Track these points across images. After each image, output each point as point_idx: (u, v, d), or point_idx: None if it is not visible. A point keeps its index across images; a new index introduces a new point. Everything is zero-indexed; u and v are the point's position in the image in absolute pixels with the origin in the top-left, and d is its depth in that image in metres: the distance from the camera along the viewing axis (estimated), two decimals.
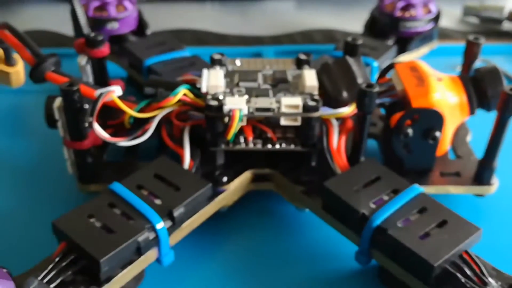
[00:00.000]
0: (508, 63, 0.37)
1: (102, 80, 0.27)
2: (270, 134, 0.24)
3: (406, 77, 0.25)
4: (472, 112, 0.25)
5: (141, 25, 0.34)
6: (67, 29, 0.38)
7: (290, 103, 0.23)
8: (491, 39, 0.40)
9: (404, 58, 0.34)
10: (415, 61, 0.26)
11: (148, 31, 0.34)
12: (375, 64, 0.31)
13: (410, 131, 0.24)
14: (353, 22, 0.41)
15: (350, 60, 0.25)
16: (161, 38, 0.33)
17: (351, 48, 0.26)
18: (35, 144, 0.30)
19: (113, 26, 0.32)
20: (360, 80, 0.24)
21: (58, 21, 0.40)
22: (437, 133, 0.24)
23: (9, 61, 0.30)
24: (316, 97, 0.24)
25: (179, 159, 0.24)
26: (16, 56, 0.30)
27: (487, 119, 0.25)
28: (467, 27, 0.42)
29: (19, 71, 0.31)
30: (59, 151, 0.25)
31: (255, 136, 0.24)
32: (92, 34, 0.26)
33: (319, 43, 0.39)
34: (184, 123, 0.25)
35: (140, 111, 0.24)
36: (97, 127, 0.22)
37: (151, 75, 0.29)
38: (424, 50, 0.35)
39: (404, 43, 0.34)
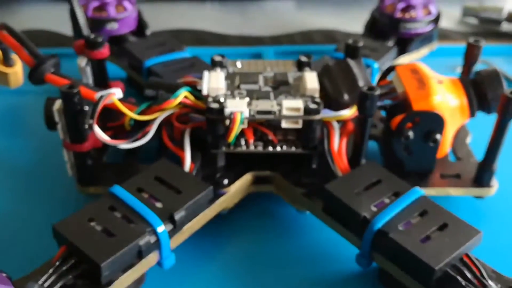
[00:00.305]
0: (507, 64, 0.37)
1: (102, 81, 0.27)
2: (271, 136, 0.24)
3: (407, 80, 0.25)
4: (472, 114, 0.26)
5: (141, 25, 0.34)
6: (66, 29, 0.38)
7: (291, 105, 0.23)
8: (490, 40, 0.40)
9: (404, 59, 0.34)
10: (416, 64, 0.26)
11: (148, 32, 0.34)
12: (376, 65, 0.31)
13: (410, 133, 0.24)
14: (353, 22, 0.41)
15: (351, 62, 0.25)
16: (161, 38, 0.33)
17: (352, 50, 0.26)
18: (34, 145, 0.30)
19: (112, 26, 0.32)
20: (361, 83, 0.24)
21: (57, 21, 0.40)
22: (438, 136, 0.24)
23: (7, 61, 0.30)
24: (317, 99, 0.24)
25: (179, 161, 0.24)
26: (14, 56, 0.29)
27: (486, 121, 0.25)
28: (466, 28, 0.42)
29: (17, 72, 0.31)
30: (58, 152, 0.25)
31: (256, 138, 0.24)
32: (92, 36, 0.26)
33: (319, 43, 0.39)
34: (184, 125, 0.24)
35: (140, 113, 0.24)
36: (97, 130, 0.22)
37: (151, 76, 0.28)
38: (424, 51, 0.35)
39: (404, 44, 0.34)
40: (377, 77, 0.32)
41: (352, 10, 0.43)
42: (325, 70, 0.25)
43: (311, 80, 0.24)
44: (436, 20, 0.35)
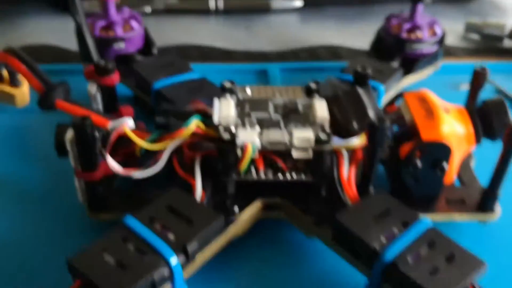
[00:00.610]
0: (508, 81, 0.38)
1: (111, 106, 0.27)
2: (280, 164, 0.25)
3: (415, 108, 0.25)
4: (478, 142, 0.26)
5: (148, 43, 0.34)
6: (71, 43, 0.37)
7: (302, 136, 0.23)
8: (492, 57, 0.40)
9: (409, 79, 0.35)
10: (424, 92, 0.26)
11: (155, 49, 0.34)
12: (382, 87, 0.32)
13: (419, 163, 0.24)
14: (357, 37, 0.42)
15: (360, 91, 0.25)
16: (168, 58, 0.33)
17: (360, 78, 0.27)
18: (43, 166, 0.29)
19: (119, 46, 0.32)
20: (370, 112, 0.24)
21: (61, 35, 0.39)
22: (445, 165, 0.24)
23: (14, 82, 0.30)
24: (328, 130, 0.24)
25: (189, 186, 0.24)
26: (21, 76, 0.29)
27: (490, 143, 0.25)
28: (469, 44, 0.42)
29: (24, 92, 0.31)
30: (68, 174, 0.25)
31: (266, 164, 0.25)
32: (102, 62, 0.26)
33: (324, 59, 0.39)
34: (195, 153, 0.25)
35: (152, 142, 0.24)
36: (110, 161, 0.22)
37: (161, 102, 0.28)
38: (429, 71, 0.36)
39: (410, 64, 0.34)
40: (383, 99, 0.32)
41: (355, 25, 0.44)
42: (334, 98, 0.26)
43: (321, 109, 0.25)
44: (441, 41, 0.35)
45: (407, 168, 0.25)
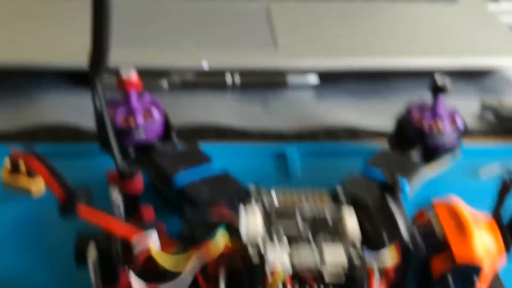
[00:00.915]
0: None
1: (133, 210, 0.26)
2: (309, 280, 0.24)
3: (446, 221, 0.25)
4: (507, 252, 0.26)
5: (167, 128, 0.33)
6: (86, 120, 0.37)
7: (335, 261, 0.22)
8: (508, 139, 0.40)
9: (430, 168, 0.34)
10: (454, 203, 0.26)
11: (173, 134, 0.33)
12: (405, 182, 0.31)
13: (452, 285, 0.24)
14: (374, 113, 0.41)
15: (390, 200, 0.25)
16: (186, 149, 0.32)
17: (390, 188, 0.26)
18: (56, 263, 0.28)
19: (140, 135, 0.31)
20: (402, 228, 0.24)
21: (77, 112, 0.39)
22: (476, 281, 0.24)
23: (30, 173, 0.29)
24: (360, 249, 0.23)
25: None
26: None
27: None
28: (485, 124, 0.42)
29: (40, 183, 0.30)
30: (84, 274, 0.24)
31: (293, 278, 0.24)
32: (127, 169, 0.25)
33: (342, 139, 0.39)
34: (220, 266, 0.24)
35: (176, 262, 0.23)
36: (136, 285, 0.21)
37: (184, 204, 0.27)
38: (449, 160, 0.35)
39: (431, 154, 0.34)
40: (408, 191, 0.31)
41: (372, 101, 0.44)
42: (363, 208, 0.25)
43: (352, 225, 0.24)
44: (462, 133, 0.35)
45: (439, 286, 0.24)
